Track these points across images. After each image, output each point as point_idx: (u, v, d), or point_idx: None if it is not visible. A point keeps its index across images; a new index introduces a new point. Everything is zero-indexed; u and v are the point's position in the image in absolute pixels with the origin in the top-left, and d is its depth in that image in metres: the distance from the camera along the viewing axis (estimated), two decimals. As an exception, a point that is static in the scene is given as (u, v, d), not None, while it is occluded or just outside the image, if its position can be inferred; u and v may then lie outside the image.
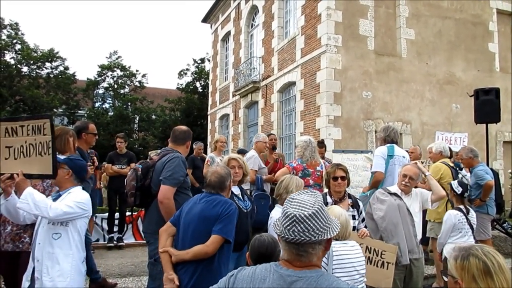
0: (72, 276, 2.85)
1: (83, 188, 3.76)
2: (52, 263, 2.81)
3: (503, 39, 13.90)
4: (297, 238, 1.48)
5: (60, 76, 25.72)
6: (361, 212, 3.78)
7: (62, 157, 3.10)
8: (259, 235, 2.48)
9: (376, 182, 4.71)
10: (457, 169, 6.02)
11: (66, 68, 26.37)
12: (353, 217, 3.68)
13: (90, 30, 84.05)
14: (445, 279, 1.73)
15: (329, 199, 3.79)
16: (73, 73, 26.54)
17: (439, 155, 5.83)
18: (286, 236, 1.50)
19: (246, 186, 5.76)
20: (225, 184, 2.95)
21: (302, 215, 1.49)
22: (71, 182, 3.04)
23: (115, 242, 7.24)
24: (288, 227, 1.50)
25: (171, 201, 3.45)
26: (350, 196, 3.86)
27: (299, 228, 1.48)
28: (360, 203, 3.84)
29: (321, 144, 7.23)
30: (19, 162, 2.81)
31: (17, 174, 2.73)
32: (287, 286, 1.47)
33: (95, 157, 5.17)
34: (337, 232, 1.56)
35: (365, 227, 3.77)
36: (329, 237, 1.52)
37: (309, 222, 1.48)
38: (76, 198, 2.90)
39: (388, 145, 4.86)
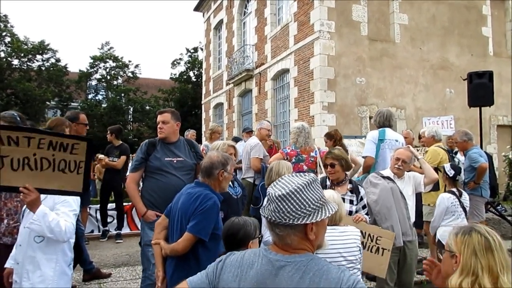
0: (54, 281, 2.68)
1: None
2: (33, 267, 2.63)
3: (497, 23, 13.84)
4: (269, 217, 1.46)
5: (51, 69, 25.42)
6: (361, 198, 3.71)
7: None
8: (231, 218, 2.45)
9: (367, 167, 4.71)
10: (452, 153, 6.02)
11: (58, 60, 26.05)
12: (351, 202, 3.65)
13: (80, 21, 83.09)
14: (441, 256, 1.71)
15: (328, 183, 3.78)
16: (65, 65, 26.23)
17: (432, 139, 5.82)
18: (263, 214, 1.50)
19: (249, 174, 5.75)
20: (213, 172, 2.74)
21: (275, 194, 1.46)
22: None
23: (110, 235, 7.19)
24: (265, 205, 1.50)
25: (129, 186, 3.75)
26: (351, 181, 3.82)
27: (271, 207, 1.46)
28: (362, 190, 3.77)
29: (330, 136, 6.23)
30: (23, 175, 2.43)
31: (25, 188, 2.40)
32: (275, 271, 1.43)
33: None
34: (318, 220, 1.46)
35: (367, 214, 3.72)
36: (306, 222, 1.44)
37: (279, 203, 1.44)
38: (69, 205, 2.70)
39: (380, 129, 4.86)
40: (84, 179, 2.54)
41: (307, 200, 1.46)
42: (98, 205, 7.81)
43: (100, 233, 7.36)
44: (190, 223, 2.60)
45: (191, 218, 2.61)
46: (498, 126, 13.44)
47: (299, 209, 1.44)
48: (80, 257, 4.26)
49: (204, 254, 2.60)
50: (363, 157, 4.92)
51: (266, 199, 1.52)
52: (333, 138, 5.96)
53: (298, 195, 1.45)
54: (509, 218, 7.01)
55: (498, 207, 7.52)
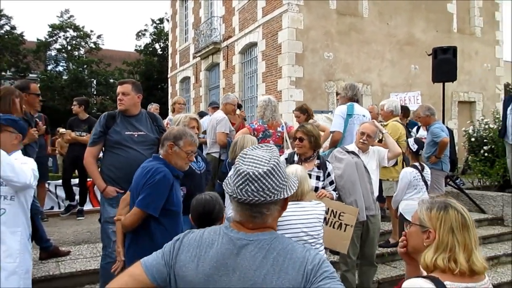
0: (21, 255, 2.60)
1: (27, 153, 3.52)
2: None
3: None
4: (250, 198, 1.32)
5: (6, 36, 24.02)
6: (329, 174, 3.67)
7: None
8: (198, 195, 2.38)
9: (335, 142, 4.69)
10: (411, 128, 6.09)
11: (13, 28, 24.65)
12: (318, 178, 3.61)
13: (39, -13, 78.27)
14: (406, 229, 1.68)
15: (296, 158, 3.72)
16: (21, 33, 24.87)
17: (390, 114, 5.86)
18: (239, 197, 1.34)
19: (215, 149, 5.63)
20: (164, 143, 2.68)
21: (256, 173, 1.32)
22: (16, 146, 2.72)
23: (72, 212, 6.93)
24: (241, 187, 1.33)
25: (87, 160, 3.60)
26: (319, 157, 3.77)
27: (252, 187, 1.32)
28: (329, 166, 3.73)
29: (304, 110, 5.94)
30: None
31: None
32: (237, 250, 1.34)
33: (39, 122, 4.80)
34: (295, 191, 1.42)
35: (335, 190, 3.70)
36: (285, 196, 1.38)
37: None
38: (33, 166, 2.64)
39: (348, 104, 4.83)
40: None
41: (284, 172, 1.40)
42: (58, 181, 7.51)
43: (63, 209, 7.06)
44: (139, 197, 2.54)
45: (140, 192, 2.55)
46: (459, 102, 13.85)
47: (282, 182, 1.37)
48: (35, 235, 4.07)
49: (158, 230, 2.54)
50: (331, 132, 4.88)
51: (240, 180, 1.35)
52: (307, 112, 5.85)
53: (280, 169, 1.38)
54: (467, 191, 7.28)
55: (457, 181, 7.79)
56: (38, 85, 24.30)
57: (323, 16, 11.63)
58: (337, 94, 5.23)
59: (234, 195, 1.36)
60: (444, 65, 7.33)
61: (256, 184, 1.33)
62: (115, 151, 3.51)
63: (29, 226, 2.76)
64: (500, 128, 7.07)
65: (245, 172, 1.34)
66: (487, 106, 13.87)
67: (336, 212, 3.52)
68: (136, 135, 3.54)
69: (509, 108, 6.58)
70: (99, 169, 3.69)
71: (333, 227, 3.48)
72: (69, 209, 6.98)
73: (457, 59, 7.56)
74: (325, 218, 3.43)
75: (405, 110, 6.98)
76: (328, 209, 3.49)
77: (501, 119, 7.29)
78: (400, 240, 1.70)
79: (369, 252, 4.03)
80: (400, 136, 5.48)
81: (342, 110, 4.82)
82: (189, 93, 18.86)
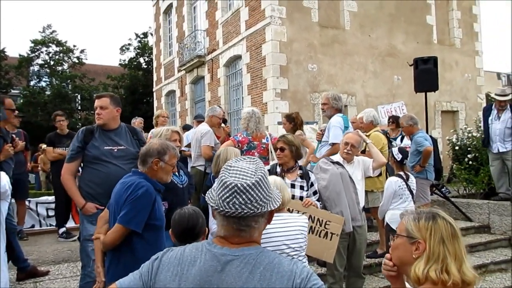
0: (1, 268, 2.58)
1: (2, 169, 3.41)
2: None
3: (440, 11, 14.36)
4: (239, 211, 1.28)
5: (-13, 53, 23.67)
6: (312, 184, 3.66)
7: None
8: (179, 209, 2.31)
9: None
10: (391, 138, 6.13)
11: (-6, 44, 24.31)
12: (301, 188, 3.60)
13: (19, 1, 77.74)
14: (391, 242, 1.63)
15: (278, 169, 3.68)
16: (3, 49, 24.50)
17: (370, 124, 5.84)
18: (226, 210, 1.29)
19: (200, 162, 5.54)
20: (147, 160, 2.59)
21: (245, 185, 1.29)
22: None
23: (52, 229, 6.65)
24: (228, 199, 1.29)
25: (64, 177, 3.47)
26: (301, 167, 3.75)
27: (240, 199, 1.28)
28: (312, 175, 3.72)
29: (291, 118, 5.84)
30: None
31: None
32: (222, 267, 1.28)
33: (16, 138, 4.65)
34: (280, 202, 1.40)
35: (318, 200, 3.67)
36: (272, 208, 1.35)
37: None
38: (6, 177, 2.60)
39: (342, 115, 4.82)
40: None
41: (269, 184, 1.38)
42: (40, 198, 7.28)
43: (63, 236, 6.32)
44: (120, 214, 2.45)
45: (122, 208, 2.46)
46: (442, 111, 14.05)
47: (268, 193, 1.35)
48: (12, 255, 3.92)
49: (142, 246, 2.45)
50: (330, 144, 4.74)
51: (227, 193, 1.30)
52: (293, 121, 5.73)
53: (266, 180, 1.35)
54: (452, 199, 7.30)
55: (443, 189, 7.82)
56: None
57: (306, 28, 11.74)
58: (323, 104, 5.14)
59: (220, 209, 1.31)
60: (426, 75, 7.42)
61: (244, 196, 1.29)
62: (94, 167, 3.40)
63: (4, 238, 2.72)
64: (483, 137, 7.13)
65: (233, 184, 1.30)
66: (470, 115, 14.09)
67: (322, 220, 3.49)
68: (115, 150, 3.45)
69: (490, 118, 6.66)
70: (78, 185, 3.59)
71: (319, 236, 3.44)
72: (69, 233, 6.36)
73: (438, 70, 7.66)
74: (311, 227, 3.39)
75: (397, 120, 7.00)
76: (314, 217, 3.46)
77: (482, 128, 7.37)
78: (384, 263, 1.62)
79: (357, 263, 3.98)
80: (383, 146, 5.48)
81: (340, 122, 4.77)
82: (174, 107, 18.76)
